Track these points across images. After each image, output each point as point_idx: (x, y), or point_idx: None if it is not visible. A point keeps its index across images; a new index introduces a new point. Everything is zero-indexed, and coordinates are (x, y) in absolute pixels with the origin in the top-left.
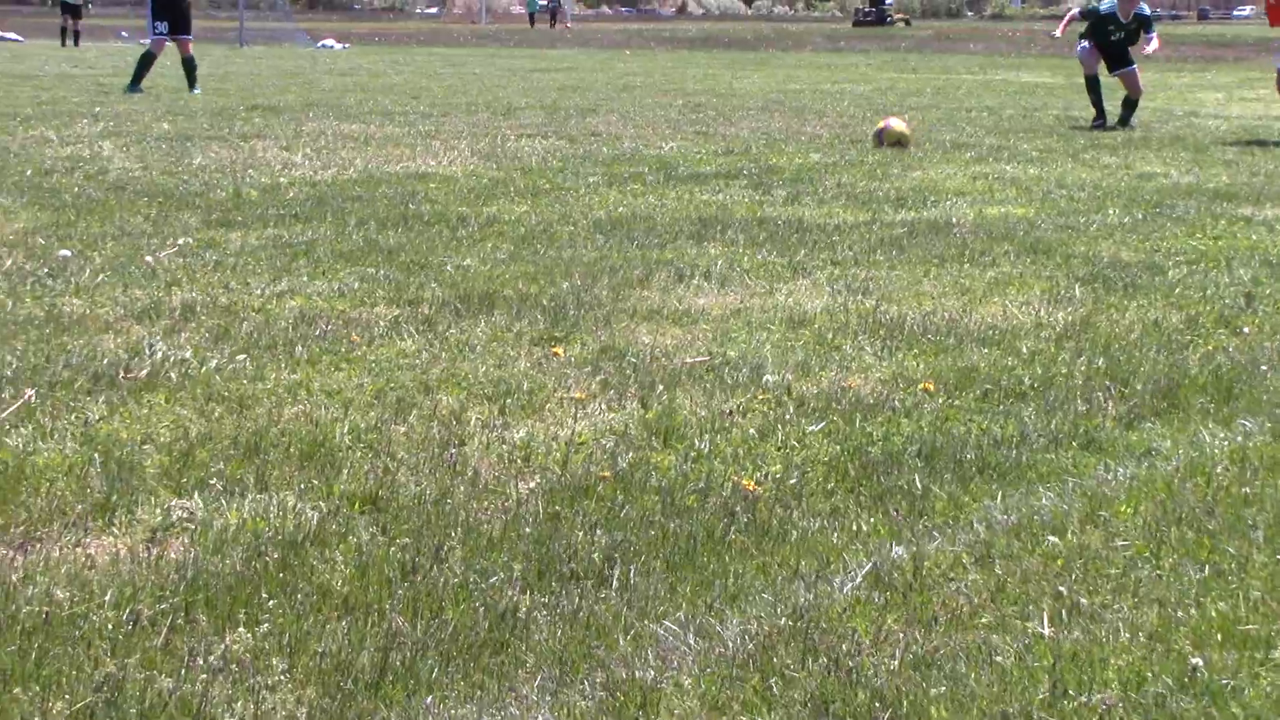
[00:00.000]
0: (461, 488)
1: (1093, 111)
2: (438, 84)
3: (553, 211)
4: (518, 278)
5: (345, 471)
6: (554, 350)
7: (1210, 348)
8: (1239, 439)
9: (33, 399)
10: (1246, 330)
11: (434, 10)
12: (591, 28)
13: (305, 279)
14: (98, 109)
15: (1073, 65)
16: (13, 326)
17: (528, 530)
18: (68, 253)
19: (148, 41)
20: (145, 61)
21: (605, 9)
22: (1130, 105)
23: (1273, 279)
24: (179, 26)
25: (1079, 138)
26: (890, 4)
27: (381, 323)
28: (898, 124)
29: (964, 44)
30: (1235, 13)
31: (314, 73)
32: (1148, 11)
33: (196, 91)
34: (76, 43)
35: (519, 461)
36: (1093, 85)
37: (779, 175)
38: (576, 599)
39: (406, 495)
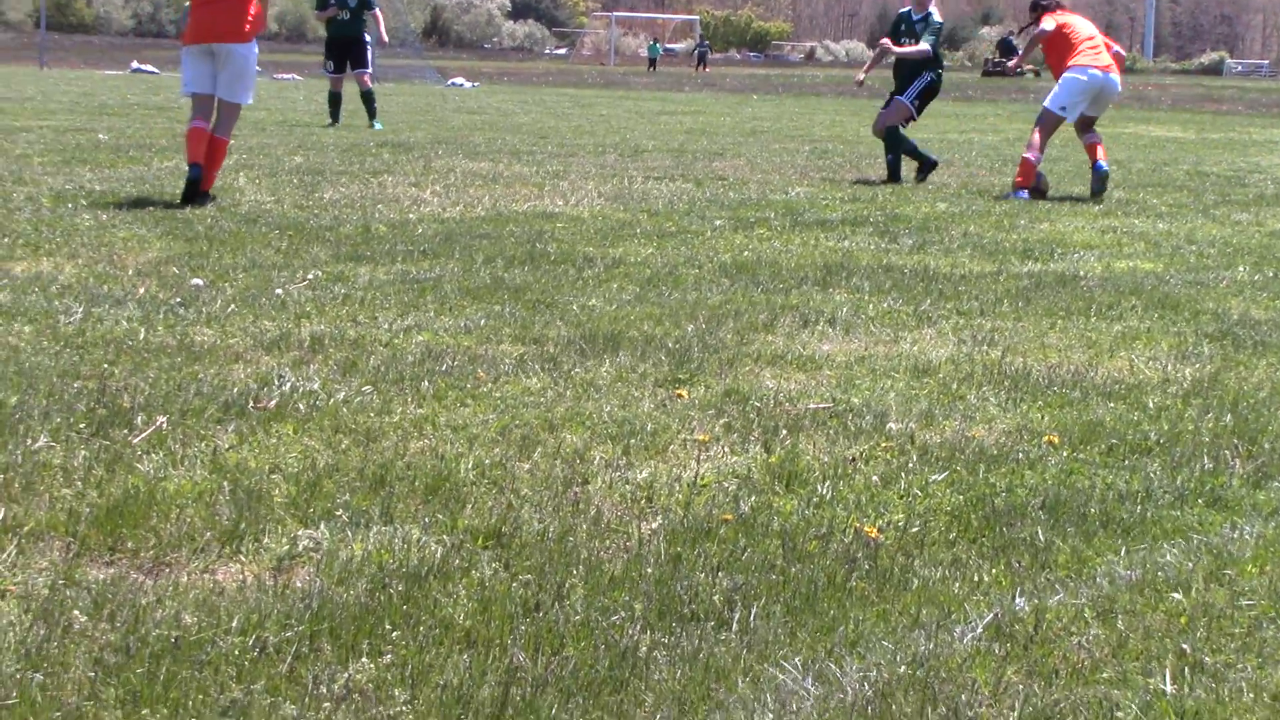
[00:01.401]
0: (584, 526)
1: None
2: (565, 124)
3: (678, 254)
4: (643, 319)
5: (469, 507)
6: (678, 392)
7: None
8: None
9: (164, 426)
10: None
11: (563, 51)
12: (719, 72)
13: (432, 315)
14: (231, 142)
15: (1204, 119)
16: (146, 354)
17: (649, 570)
18: (200, 282)
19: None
20: (332, 100)
21: (734, 54)
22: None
23: None
24: (351, 62)
25: (1209, 193)
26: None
27: (507, 360)
28: None
29: None
30: None
31: (443, 110)
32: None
33: (377, 126)
34: None
35: (642, 502)
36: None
37: (905, 223)
38: (696, 640)
39: (529, 532)
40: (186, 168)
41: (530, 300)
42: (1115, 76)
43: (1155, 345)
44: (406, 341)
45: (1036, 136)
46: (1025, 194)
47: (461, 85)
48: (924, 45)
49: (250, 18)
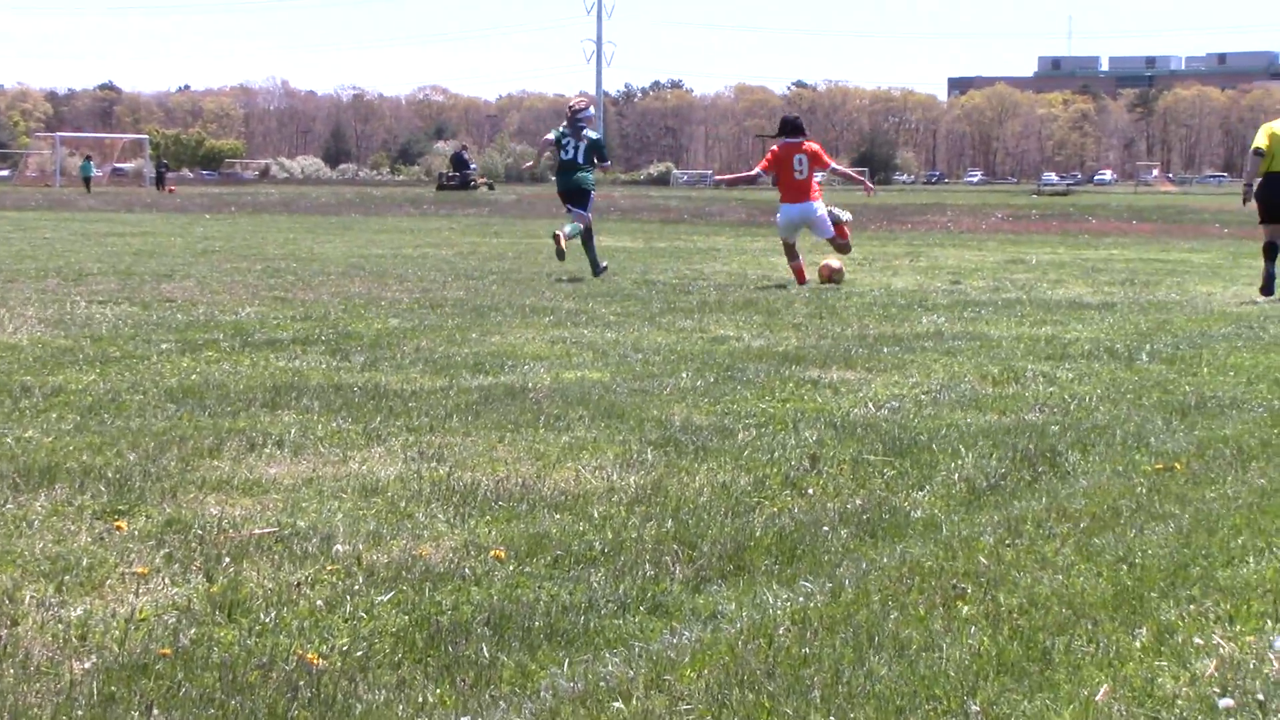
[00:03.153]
0: (11, 670)
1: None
2: (5, 249)
3: (123, 380)
4: (82, 449)
5: None
6: (117, 524)
7: (776, 509)
8: (800, 599)
9: None
10: (811, 491)
11: (5, 173)
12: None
13: None
14: None
15: (652, 229)
16: None
17: (80, 713)
18: None
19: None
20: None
21: (186, 172)
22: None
23: (836, 440)
24: None
25: (655, 301)
26: (474, 168)
27: None
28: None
29: (546, 208)
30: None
31: None
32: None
33: None
34: None
35: (74, 640)
36: None
37: (357, 340)
38: None
39: None
40: None
41: None
42: None
43: (601, 454)
44: None
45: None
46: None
47: None
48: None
49: None
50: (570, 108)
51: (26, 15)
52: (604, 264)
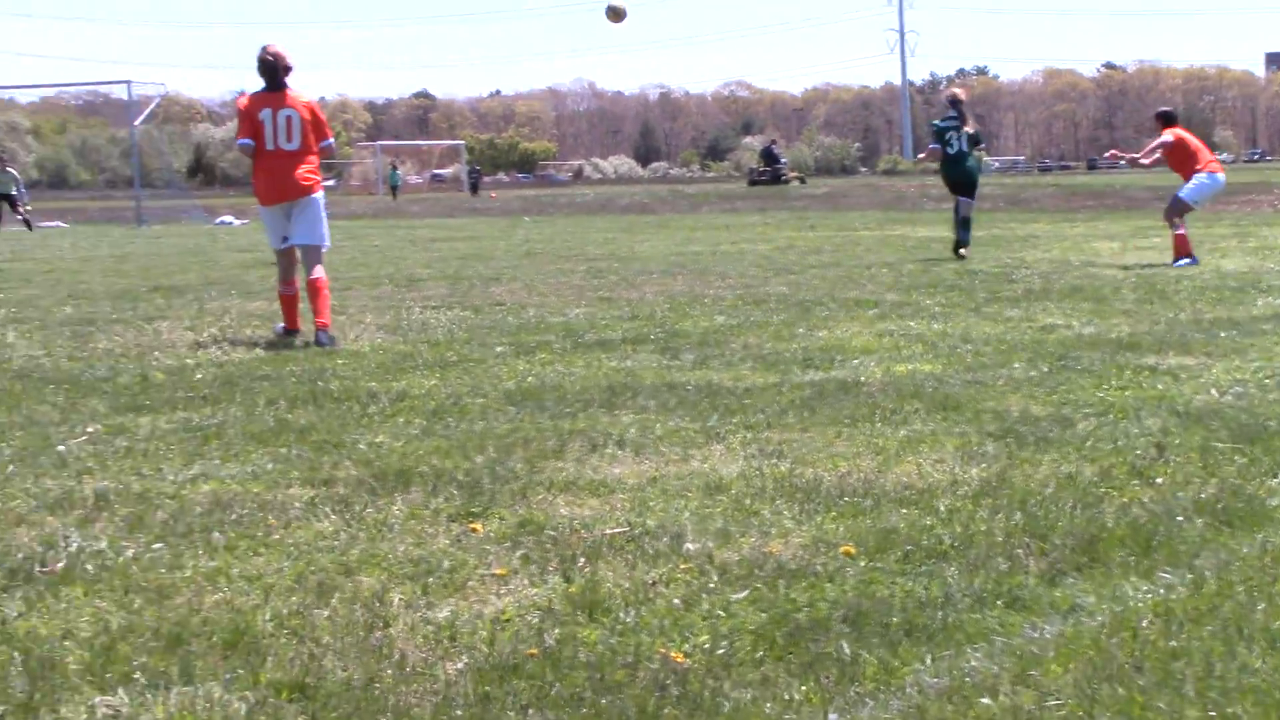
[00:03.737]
0: (389, 671)
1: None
2: (339, 257)
3: (462, 384)
4: (431, 453)
5: (270, 659)
6: (472, 526)
7: (1125, 499)
8: (1161, 591)
9: None
10: (1160, 480)
11: (331, 183)
12: (491, 195)
13: (218, 462)
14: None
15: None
16: None
17: (459, 713)
18: None
19: None
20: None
21: (502, 175)
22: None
23: (1181, 428)
24: None
25: (980, 291)
26: (784, 163)
27: (297, 504)
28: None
29: (858, 199)
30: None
31: (214, 250)
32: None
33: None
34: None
35: (445, 642)
36: None
37: (685, 338)
38: None
39: (334, 681)
40: None
41: (316, 441)
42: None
43: (941, 447)
44: (193, 491)
45: (1176, 220)
46: (1192, 259)
47: (230, 223)
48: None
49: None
50: (951, 98)
51: (345, 29)
52: (967, 251)
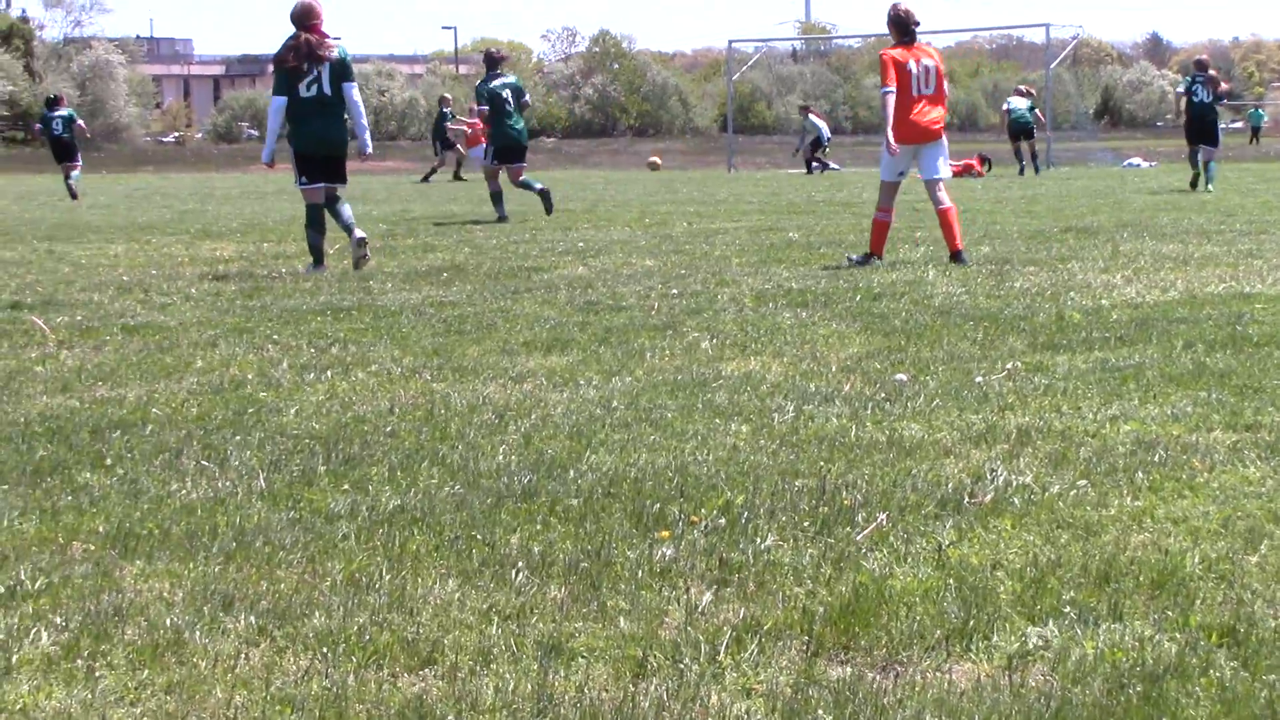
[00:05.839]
0: None
1: None
2: (1252, 200)
3: None
4: None
5: (1199, 602)
6: None
7: None
8: None
9: (885, 523)
10: None
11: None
12: None
13: (1136, 403)
14: (919, 234)
15: None
16: (858, 451)
17: None
18: (903, 377)
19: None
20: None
21: None
22: None
23: None
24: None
25: None
26: None
27: (1220, 449)
28: None
29: None
30: None
31: (1123, 192)
32: None
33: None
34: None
35: None
36: None
37: None
38: None
39: (1265, 629)
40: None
41: (1236, 385)
42: None
43: None
44: (1114, 431)
45: None
46: None
47: (1138, 165)
48: None
49: None
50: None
51: None
52: None
